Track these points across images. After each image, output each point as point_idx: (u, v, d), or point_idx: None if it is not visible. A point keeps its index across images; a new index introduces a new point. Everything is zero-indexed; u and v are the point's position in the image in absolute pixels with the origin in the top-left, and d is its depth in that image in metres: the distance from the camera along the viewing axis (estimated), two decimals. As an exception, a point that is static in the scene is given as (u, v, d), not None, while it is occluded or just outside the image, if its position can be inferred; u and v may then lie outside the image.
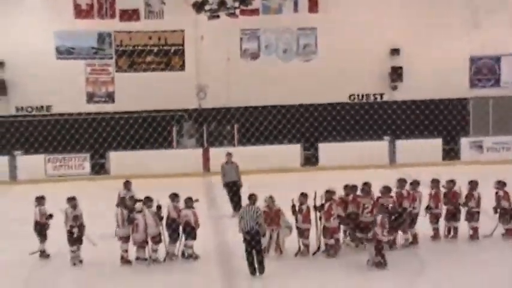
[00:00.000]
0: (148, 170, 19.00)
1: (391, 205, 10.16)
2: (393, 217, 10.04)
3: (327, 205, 10.03)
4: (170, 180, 18.28)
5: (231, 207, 13.28)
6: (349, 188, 10.49)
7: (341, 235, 10.50)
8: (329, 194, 10.10)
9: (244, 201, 9.85)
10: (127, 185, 11.58)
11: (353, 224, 10.27)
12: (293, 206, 10.21)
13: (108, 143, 19.19)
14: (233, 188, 13.17)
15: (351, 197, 10.47)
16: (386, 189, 10.37)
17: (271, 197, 10.30)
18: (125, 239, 10.03)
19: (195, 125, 20.67)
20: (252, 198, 9.37)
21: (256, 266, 9.15)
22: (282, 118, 20.11)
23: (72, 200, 10.11)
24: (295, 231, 10.24)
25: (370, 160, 19.19)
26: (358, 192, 10.52)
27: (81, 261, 9.96)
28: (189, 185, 16.32)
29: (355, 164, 19.06)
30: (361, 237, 10.23)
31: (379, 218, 9.40)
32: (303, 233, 10.16)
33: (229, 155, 13.57)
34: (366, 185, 10.61)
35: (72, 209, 10.02)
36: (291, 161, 20.05)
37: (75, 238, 9.90)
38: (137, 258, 10.10)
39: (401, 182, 10.65)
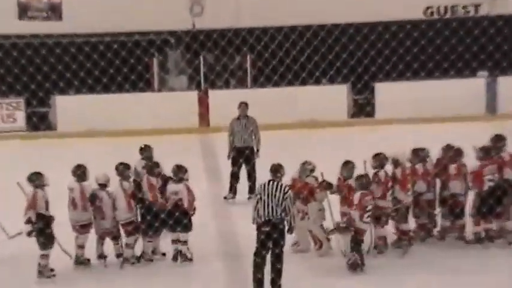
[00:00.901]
0: (115, 123, 19.19)
1: (489, 177, 10.27)
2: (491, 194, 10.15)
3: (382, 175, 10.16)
4: (149, 139, 18.45)
5: (239, 187, 13.09)
6: (416, 154, 10.56)
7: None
8: (380, 160, 10.21)
9: (262, 176, 9.82)
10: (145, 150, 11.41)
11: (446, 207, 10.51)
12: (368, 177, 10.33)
13: (53, 83, 19.20)
14: (246, 159, 12.93)
15: (421, 167, 10.53)
16: (485, 152, 10.44)
17: (305, 165, 10.38)
18: (83, 228, 10.20)
19: (187, 55, 20.66)
20: (277, 170, 9.29)
21: (270, 277, 8.81)
22: (319, 44, 19.94)
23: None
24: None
25: (455, 108, 19.29)
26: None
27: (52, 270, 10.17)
28: (179, 147, 16.54)
29: (430, 114, 19.09)
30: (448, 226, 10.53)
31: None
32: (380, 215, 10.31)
33: (243, 105, 13.48)
34: (451, 148, 10.68)
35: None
36: (334, 109, 20.13)
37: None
38: (99, 257, 10.30)
39: (500, 141, 10.68)
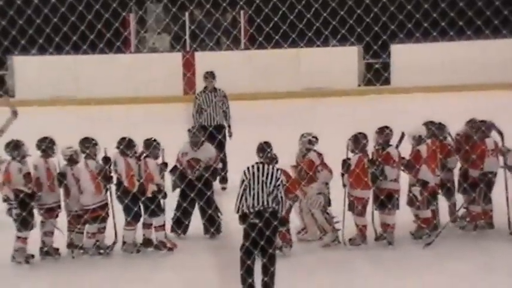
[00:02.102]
0: (84, 90, 19.15)
1: None
2: None
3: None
4: (126, 108, 18.49)
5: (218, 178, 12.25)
6: (437, 130, 10.58)
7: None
8: (387, 135, 10.25)
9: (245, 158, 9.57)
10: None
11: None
12: (345, 162, 10.24)
13: (10, 41, 19.08)
14: (215, 140, 12.20)
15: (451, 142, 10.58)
16: None
17: (303, 137, 10.38)
18: (50, 212, 10.23)
19: (170, 8, 20.57)
20: (266, 151, 9.20)
21: (261, 276, 8.68)
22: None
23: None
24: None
25: (488, 74, 19.31)
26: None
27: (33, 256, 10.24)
28: (160, 118, 16.54)
29: (458, 81, 19.11)
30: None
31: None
32: (354, 206, 10.30)
33: (210, 76, 13.27)
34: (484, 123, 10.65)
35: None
36: (343, 76, 20.12)
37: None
38: (69, 246, 10.33)
39: None
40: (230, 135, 12.92)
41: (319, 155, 10.23)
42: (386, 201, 10.06)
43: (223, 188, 12.66)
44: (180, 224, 10.57)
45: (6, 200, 9.73)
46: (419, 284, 9.12)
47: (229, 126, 12.96)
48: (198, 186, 10.38)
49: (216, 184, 11.76)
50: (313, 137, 10.26)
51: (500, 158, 10.52)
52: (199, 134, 10.80)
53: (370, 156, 10.15)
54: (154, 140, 10.23)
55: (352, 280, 9.33)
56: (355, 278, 9.40)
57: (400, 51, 20.08)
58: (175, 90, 19.82)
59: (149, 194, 10.11)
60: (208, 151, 10.75)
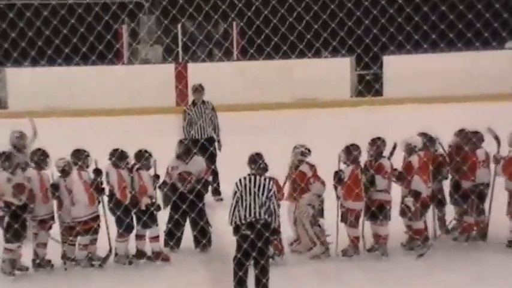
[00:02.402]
0: (77, 101, 19.15)
1: None
2: None
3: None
4: (118, 120, 18.51)
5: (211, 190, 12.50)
6: (428, 142, 10.56)
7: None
8: (378, 146, 10.23)
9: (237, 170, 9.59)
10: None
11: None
12: (337, 174, 10.26)
13: (4, 53, 19.09)
14: (206, 152, 12.02)
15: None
16: None
17: (295, 149, 10.33)
18: (43, 224, 10.22)
19: (163, 21, 20.61)
20: (258, 162, 9.23)
21: None
22: (320, 10, 19.90)
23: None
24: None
25: (478, 85, 19.39)
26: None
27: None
28: (152, 129, 16.53)
29: (448, 92, 19.18)
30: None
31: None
32: (347, 217, 10.32)
33: (199, 89, 13.28)
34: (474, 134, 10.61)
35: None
36: (335, 87, 20.15)
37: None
38: (63, 257, 10.31)
39: None
40: (220, 148, 12.92)
41: (311, 166, 10.22)
42: (377, 212, 10.06)
43: (219, 200, 12.66)
44: (173, 236, 10.51)
45: None
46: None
47: (218, 140, 12.97)
48: (189, 198, 10.37)
49: (208, 197, 11.71)
50: (306, 149, 10.24)
51: (493, 167, 10.56)
52: (191, 147, 10.81)
53: (363, 167, 10.20)
54: (146, 151, 10.22)
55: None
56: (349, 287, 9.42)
57: (391, 62, 20.13)
58: (168, 102, 19.82)
59: (143, 207, 10.13)
60: (198, 164, 10.72)
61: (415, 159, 10.25)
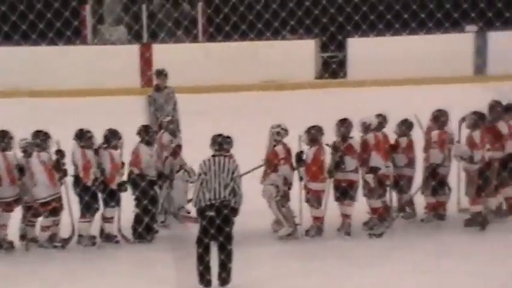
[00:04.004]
0: (38, 81, 18.97)
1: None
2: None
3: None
4: (82, 100, 18.41)
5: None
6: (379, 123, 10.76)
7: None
8: (348, 126, 10.33)
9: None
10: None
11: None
12: (298, 155, 10.31)
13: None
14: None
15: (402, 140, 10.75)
16: (479, 118, 10.50)
17: (272, 128, 10.33)
18: (8, 206, 10.16)
19: (126, 2, 20.46)
20: (221, 143, 9.20)
21: (217, 270, 8.74)
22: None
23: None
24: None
25: (439, 68, 19.45)
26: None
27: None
28: (117, 109, 16.44)
29: (411, 75, 19.33)
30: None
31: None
32: (310, 198, 10.43)
33: (163, 75, 13.21)
34: (440, 113, 10.70)
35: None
36: (299, 69, 20.18)
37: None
38: (22, 237, 10.27)
39: (495, 106, 10.82)
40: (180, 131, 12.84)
41: (286, 148, 10.22)
42: (346, 192, 10.17)
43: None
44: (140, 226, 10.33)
45: None
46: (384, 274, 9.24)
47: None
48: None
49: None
50: (282, 128, 10.24)
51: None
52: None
53: (331, 146, 10.25)
54: (116, 131, 10.21)
55: (310, 268, 9.46)
56: (312, 265, 9.51)
57: (356, 45, 20.15)
58: (132, 83, 19.71)
59: (114, 186, 10.11)
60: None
61: (371, 137, 10.36)
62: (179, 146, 10.90)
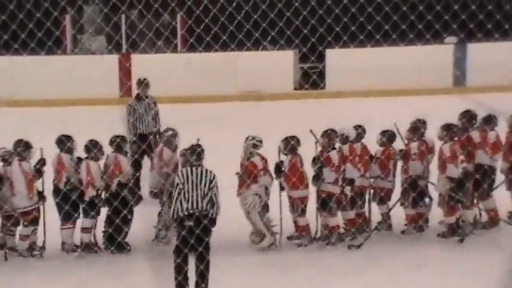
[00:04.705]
0: (17, 91, 18.91)
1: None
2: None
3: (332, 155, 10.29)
4: (62, 110, 18.36)
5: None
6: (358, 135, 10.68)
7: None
8: (329, 138, 10.35)
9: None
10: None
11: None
12: (277, 165, 10.41)
13: None
14: (149, 146, 12.01)
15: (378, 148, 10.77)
16: (448, 129, 10.47)
17: (247, 140, 10.32)
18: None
19: (106, 10, 20.45)
20: (198, 152, 9.17)
21: (195, 280, 8.75)
22: (262, 1, 19.93)
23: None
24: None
25: (418, 80, 19.67)
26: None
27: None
28: (96, 120, 16.42)
29: (390, 86, 19.50)
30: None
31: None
32: (292, 205, 10.45)
33: (144, 83, 13.16)
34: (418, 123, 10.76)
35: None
36: (278, 80, 20.24)
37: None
38: (1, 246, 10.23)
39: (469, 117, 10.91)
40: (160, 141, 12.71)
41: (263, 159, 10.24)
42: (327, 202, 10.17)
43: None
44: (113, 240, 10.25)
45: None
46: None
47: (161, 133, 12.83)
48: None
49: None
50: (257, 140, 10.25)
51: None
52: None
53: (312, 159, 10.28)
54: (96, 142, 10.18)
55: (288, 277, 9.48)
56: (293, 277, 9.52)
57: (334, 56, 20.26)
58: (111, 93, 19.69)
59: (87, 198, 10.08)
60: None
61: (345, 149, 10.38)
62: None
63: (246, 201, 10.16)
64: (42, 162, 10.09)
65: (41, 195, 10.10)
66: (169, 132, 10.82)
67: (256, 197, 10.15)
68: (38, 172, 10.07)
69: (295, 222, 10.34)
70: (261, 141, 10.25)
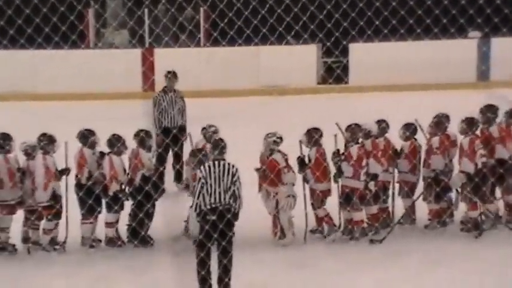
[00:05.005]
0: (40, 85, 19.01)
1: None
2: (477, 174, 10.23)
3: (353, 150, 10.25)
4: (84, 104, 18.43)
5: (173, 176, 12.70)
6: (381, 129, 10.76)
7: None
8: (353, 132, 10.31)
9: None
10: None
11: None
12: (301, 159, 10.36)
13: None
14: (174, 139, 12.21)
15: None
16: (469, 123, 10.54)
17: (267, 137, 10.30)
18: (10, 209, 10.15)
19: (130, 4, 20.49)
20: (221, 147, 9.13)
21: (218, 275, 8.70)
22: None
23: None
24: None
25: (442, 74, 19.57)
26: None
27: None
28: (118, 114, 16.46)
29: (414, 80, 19.42)
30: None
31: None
32: (315, 199, 10.42)
33: (171, 75, 13.15)
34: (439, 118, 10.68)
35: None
36: (301, 74, 20.20)
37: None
38: (25, 240, 10.28)
39: (491, 110, 10.78)
40: (186, 138, 12.66)
41: (284, 156, 10.19)
42: (350, 196, 10.15)
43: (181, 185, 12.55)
44: (137, 234, 10.27)
45: None
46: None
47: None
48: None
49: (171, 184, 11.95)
50: (277, 137, 10.19)
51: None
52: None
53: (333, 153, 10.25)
54: (119, 137, 10.16)
55: (309, 274, 9.42)
56: (314, 273, 9.47)
57: (357, 50, 20.20)
58: (134, 87, 19.73)
59: (111, 193, 10.09)
60: None
61: (368, 143, 10.33)
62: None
63: (282, 203, 10.11)
64: (67, 172, 10.10)
65: (56, 196, 10.03)
66: (212, 129, 10.83)
67: (290, 198, 10.12)
68: (61, 173, 10.08)
69: (316, 215, 10.32)
70: (281, 138, 10.20)
